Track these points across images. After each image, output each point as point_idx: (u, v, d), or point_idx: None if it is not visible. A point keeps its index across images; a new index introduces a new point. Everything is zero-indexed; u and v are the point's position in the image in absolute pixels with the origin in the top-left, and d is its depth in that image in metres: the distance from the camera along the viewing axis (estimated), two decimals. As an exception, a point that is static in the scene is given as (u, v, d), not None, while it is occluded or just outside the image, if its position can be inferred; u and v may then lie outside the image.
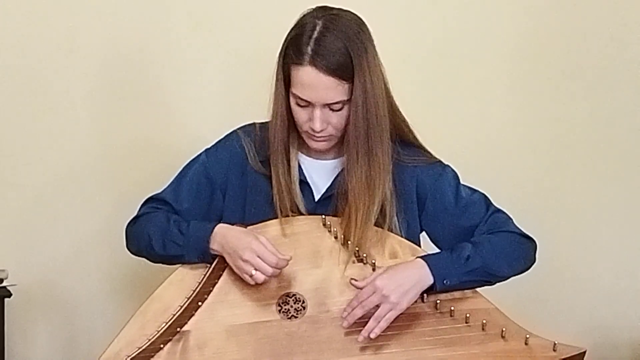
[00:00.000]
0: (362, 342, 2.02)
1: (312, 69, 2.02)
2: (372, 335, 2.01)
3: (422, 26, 2.90)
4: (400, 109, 2.18)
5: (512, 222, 2.20)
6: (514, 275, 2.16)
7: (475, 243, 2.12)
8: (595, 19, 2.93)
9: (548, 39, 2.93)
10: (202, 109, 2.83)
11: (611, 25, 2.93)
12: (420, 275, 2.05)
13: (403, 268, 2.06)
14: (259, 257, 2.03)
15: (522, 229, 2.19)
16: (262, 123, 2.21)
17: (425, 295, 2.07)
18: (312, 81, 2.03)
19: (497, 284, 2.14)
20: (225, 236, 2.08)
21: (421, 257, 2.08)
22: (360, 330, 2.02)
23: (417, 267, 2.06)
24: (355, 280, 2.05)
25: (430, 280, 2.05)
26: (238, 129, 2.25)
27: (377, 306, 2.02)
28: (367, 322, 2.02)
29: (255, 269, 2.03)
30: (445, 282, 2.06)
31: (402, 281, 2.03)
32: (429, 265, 2.06)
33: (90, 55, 2.77)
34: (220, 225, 2.11)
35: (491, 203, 2.21)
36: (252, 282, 2.05)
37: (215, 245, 2.09)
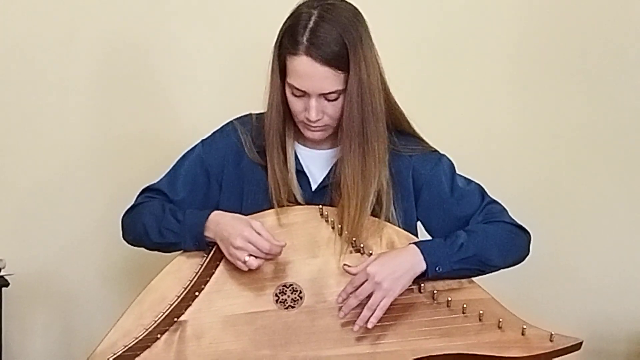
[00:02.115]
0: (357, 331, 2.02)
1: (307, 58, 2.01)
2: (369, 325, 2.01)
3: (423, 21, 2.90)
4: (402, 104, 2.18)
5: (507, 213, 2.20)
6: (507, 266, 2.16)
7: (470, 232, 2.12)
8: (598, 17, 2.92)
9: (550, 35, 2.92)
10: (198, 102, 2.83)
11: (613, 23, 2.93)
12: (412, 261, 2.05)
13: (396, 254, 2.06)
14: (251, 243, 2.03)
15: (518, 221, 2.19)
16: (258, 114, 2.21)
17: (422, 285, 2.08)
18: (307, 71, 2.02)
19: (490, 273, 2.14)
20: (219, 223, 2.08)
21: (414, 243, 2.08)
22: (355, 317, 2.02)
23: (409, 254, 2.06)
24: (349, 266, 2.05)
25: (422, 266, 2.05)
26: (234, 119, 2.24)
27: (371, 294, 2.02)
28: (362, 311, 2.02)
29: (248, 255, 2.03)
30: (437, 268, 2.06)
31: (394, 268, 2.03)
32: (421, 252, 2.06)
33: (87, 50, 2.77)
34: (216, 212, 2.11)
35: (486, 194, 2.21)
36: (245, 269, 2.05)
37: (209, 233, 2.09)
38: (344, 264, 2.06)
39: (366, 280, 2.02)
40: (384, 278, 2.01)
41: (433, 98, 2.89)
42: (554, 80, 2.94)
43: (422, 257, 2.05)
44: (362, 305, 2.02)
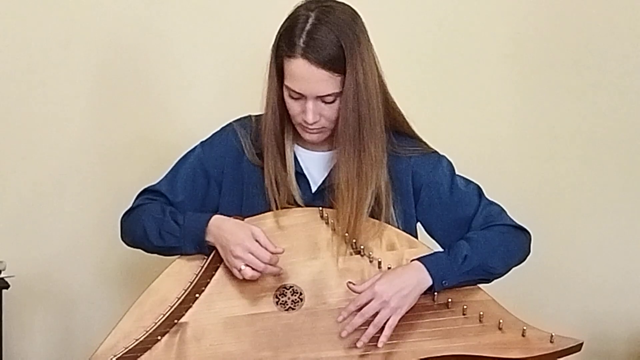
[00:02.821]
0: (361, 347, 2.00)
1: (304, 61, 2.01)
2: (380, 345, 1.99)
3: (423, 23, 2.90)
4: (401, 106, 2.17)
5: (506, 213, 2.20)
6: (510, 269, 2.16)
7: (472, 241, 2.11)
8: (599, 17, 2.92)
9: (550, 36, 2.92)
10: (197, 105, 2.83)
11: (614, 24, 2.93)
12: (418, 278, 2.04)
13: (401, 272, 2.05)
14: (250, 253, 2.03)
15: (517, 221, 2.19)
16: (257, 115, 2.20)
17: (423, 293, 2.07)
18: (304, 73, 2.02)
19: (494, 280, 2.14)
20: (220, 228, 2.08)
21: (418, 259, 2.07)
22: (357, 333, 2.01)
23: (415, 270, 2.05)
24: (353, 284, 2.04)
25: (428, 282, 2.05)
26: (234, 121, 2.24)
27: (376, 312, 2.01)
28: (364, 324, 2.01)
29: (245, 265, 2.03)
30: (444, 283, 2.05)
31: (401, 285, 2.02)
32: (426, 267, 2.05)
33: (85, 52, 2.77)
34: (216, 216, 2.11)
35: (484, 195, 2.21)
36: (241, 277, 2.05)
37: (210, 237, 2.09)
38: (348, 282, 2.05)
39: (372, 299, 2.01)
40: (391, 296, 2.00)
41: (433, 99, 2.89)
42: (554, 81, 2.94)
43: (427, 273, 2.04)
44: (366, 323, 2.01)
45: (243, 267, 2.03)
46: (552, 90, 2.95)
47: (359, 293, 2.02)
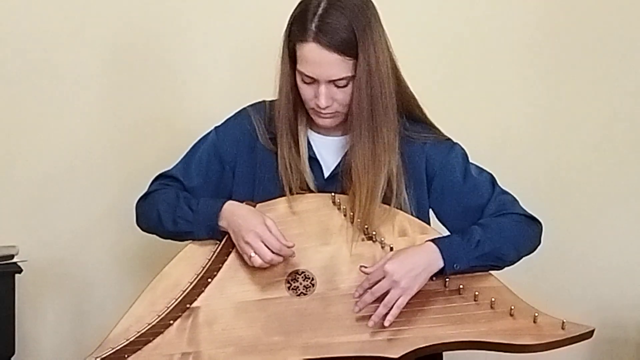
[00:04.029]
0: (372, 327, 2.01)
1: (316, 45, 2.01)
2: (386, 323, 2.00)
3: (436, 13, 2.89)
4: (416, 94, 2.18)
5: (518, 203, 2.19)
6: (520, 258, 2.16)
7: (485, 227, 2.11)
8: (614, 11, 2.91)
9: (564, 28, 2.91)
10: (211, 90, 2.83)
11: (628, 19, 2.92)
12: (430, 259, 2.04)
13: (413, 252, 2.05)
14: (262, 241, 2.04)
15: (529, 211, 2.19)
16: (271, 100, 2.21)
17: (434, 276, 2.07)
18: (316, 58, 2.02)
19: (504, 268, 2.14)
20: (233, 214, 2.09)
21: (432, 241, 2.07)
22: (370, 312, 2.02)
23: (427, 251, 2.05)
24: (365, 267, 2.05)
25: (440, 264, 2.05)
26: (248, 106, 2.25)
27: (387, 291, 2.01)
28: (377, 305, 2.02)
29: (255, 252, 2.04)
30: (455, 266, 2.05)
31: (412, 266, 2.02)
32: (439, 249, 2.05)
33: (100, 36, 2.77)
34: (230, 202, 2.11)
35: (497, 184, 2.21)
36: (251, 264, 2.06)
37: (223, 222, 2.10)
38: (361, 265, 2.05)
39: (383, 277, 2.01)
40: (401, 276, 2.00)
41: (446, 88, 2.88)
42: (567, 71, 2.94)
43: (439, 254, 2.04)
44: (377, 300, 2.02)
45: (253, 254, 2.04)
46: (565, 79, 2.94)
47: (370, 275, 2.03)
